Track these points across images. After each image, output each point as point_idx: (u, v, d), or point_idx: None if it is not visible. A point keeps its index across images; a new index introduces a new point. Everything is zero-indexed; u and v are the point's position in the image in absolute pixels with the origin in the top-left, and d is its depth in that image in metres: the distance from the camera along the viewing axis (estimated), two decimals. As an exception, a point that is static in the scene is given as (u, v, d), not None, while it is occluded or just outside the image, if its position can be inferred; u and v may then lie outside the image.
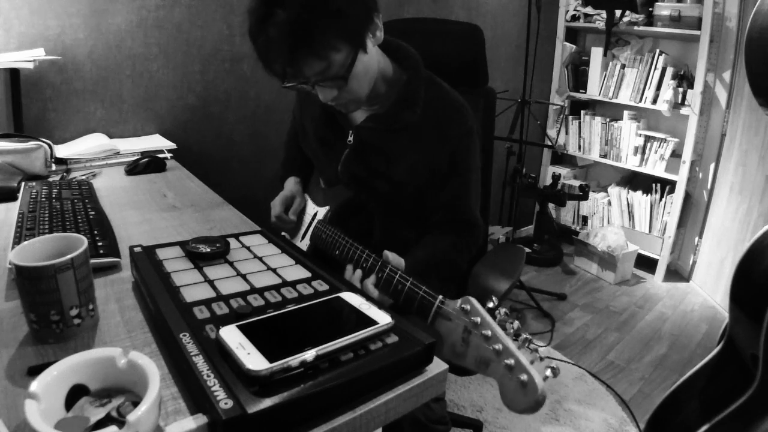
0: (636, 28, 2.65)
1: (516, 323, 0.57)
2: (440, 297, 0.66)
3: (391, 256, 0.84)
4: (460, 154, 0.99)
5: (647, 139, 2.72)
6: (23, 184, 1.10)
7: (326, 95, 0.88)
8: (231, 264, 0.72)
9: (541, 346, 0.58)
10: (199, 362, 0.48)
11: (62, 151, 1.37)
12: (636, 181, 2.93)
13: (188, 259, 0.72)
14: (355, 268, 0.85)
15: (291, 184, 1.18)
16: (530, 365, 0.52)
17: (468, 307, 0.60)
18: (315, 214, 1.10)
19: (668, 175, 2.65)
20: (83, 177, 1.25)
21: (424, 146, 0.97)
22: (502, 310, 0.59)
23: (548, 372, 0.52)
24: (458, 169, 0.99)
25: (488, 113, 1.32)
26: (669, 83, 2.58)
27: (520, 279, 2.51)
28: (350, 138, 1.02)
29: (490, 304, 0.59)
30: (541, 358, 0.53)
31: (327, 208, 1.07)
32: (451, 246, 1.01)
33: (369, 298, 0.60)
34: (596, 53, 2.87)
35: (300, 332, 0.53)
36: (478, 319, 0.58)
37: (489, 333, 0.56)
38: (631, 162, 2.81)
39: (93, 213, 0.94)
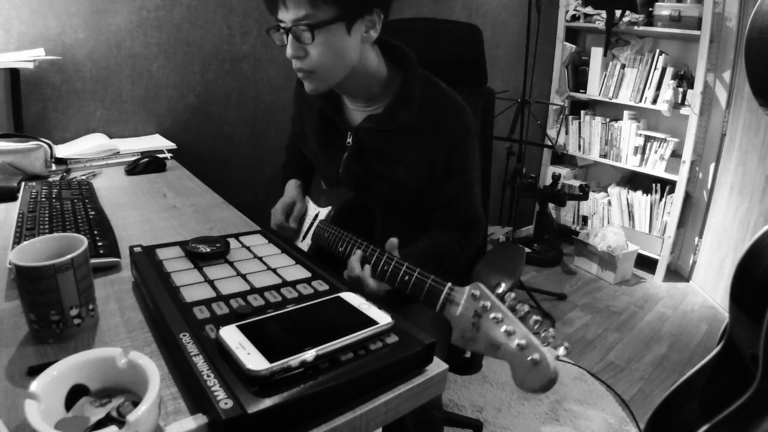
0: (636, 28, 2.65)
1: (526, 306, 0.57)
2: (449, 284, 0.67)
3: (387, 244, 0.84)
4: (459, 153, 0.99)
5: (647, 139, 2.73)
6: (23, 184, 1.10)
7: (295, 50, 0.88)
8: (231, 264, 0.72)
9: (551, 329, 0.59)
10: (199, 362, 0.48)
11: (62, 151, 1.37)
12: (636, 181, 2.93)
13: (188, 259, 0.72)
14: (362, 263, 0.85)
15: (291, 189, 1.18)
16: (542, 345, 0.52)
17: (477, 292, 0.61)
18: (317, 215, 1.11)
19: (668, 175, 2.65)
20: (83, 177, 1.25)
21: (423, 146, 0.98)
22: (512, 295, 0.59)
23: (560, 351, 0.53)
24: (457, 168, 1.00)
25: (488, 113, 1.32)
26: (669, 83, 2.58)
27: (520, 279, 2.51)
28: (349, 140, 1.02)
29: (499, 290, 0.60)
30: (553, 338, 0.54)
31: (329, 208, 1.08)
32: (451, 241, 1.02)
33: (369, 297, 0.60)
34: (596, 53, 2.87)
35: (300, 332, 0.53)
36: (489, 304, 0.58)
37: (500, 316, 0.56)
38: (631, 162, 2.81)
39: (93, 213, 0.94)
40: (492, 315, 0.57)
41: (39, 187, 1.07)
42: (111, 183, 1.24)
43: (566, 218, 3.21)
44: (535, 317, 0.56)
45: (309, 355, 0.47)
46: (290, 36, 0.87)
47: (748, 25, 0.97)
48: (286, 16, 0.86)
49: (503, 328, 0.55)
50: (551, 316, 2.32)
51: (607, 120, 2.88)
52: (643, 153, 2.76)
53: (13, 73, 1.32)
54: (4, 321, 0.61)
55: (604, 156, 2.94)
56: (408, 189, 1.01)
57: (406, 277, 0.74)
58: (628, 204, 2.88)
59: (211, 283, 0.65)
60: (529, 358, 0.52)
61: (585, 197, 2.83)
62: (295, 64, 0.92)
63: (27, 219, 0.88)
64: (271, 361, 0.46)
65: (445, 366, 0.56)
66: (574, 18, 2.89)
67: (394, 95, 0.98)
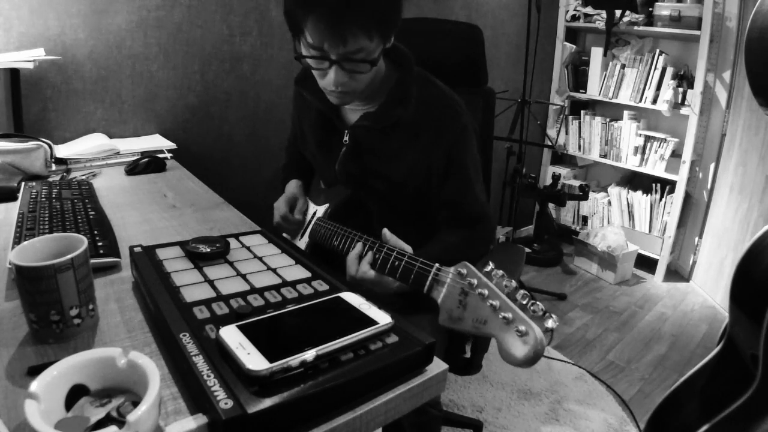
0: (636, 28, 2.65)
1: (513, 282, 0.57)
2: (436, 265, 0.68)
3: (389, 235, 0.85)
4: (456, 150, 0.99)
5: (647, 139, 2.72)
6: (23, 184, 1.10)
7: (339, 78, 0.87)
8: (231, 264, 0.72)
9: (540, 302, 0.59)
10: (199, 362, 0.48)
11: (62, 151, 1.37)
12: (636, 181, 2.93)
13: (188, 259, 0.72)
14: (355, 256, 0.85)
15: (292, 187, 1.18)
16: (529, 318, 0.52)
17: (464, 270, 0.61)
18: (315, 213, 1.11)
19: (668, 175, 2.65)
20: (83, 177, 1.25)
21: (420, 145, 0.98)
22: (499, 273, 0.59)
23: (549, 323, 0.52)
24: (456, 165, 1.00)
25: (488, 113, 1.32)
26: (669, 83, 2.58)
27: (520, 279, 2.51)
28: (346, 138, 1.02)
29: (487, 268, 0.60)
30: (543, 313, 0.53)
31: (326, 206, 1.08)
32: (462, 240, 1.02)
33: (369, 297, 0.60)
34: (596, 53, 2.87)
35: (300, 332, 0.53)
36: (475, 281, 0.59)
37: (486, 292, 0.57)
38: (631, 162, 2.81)
39: (93, 213, 0.94)
40: (478, 291, 0.57)
41: (39, 187, 1.07)
42: (111, 183, 1.24)
43: (566, 218, 3.21)
44: (523, 292, 0.56)
45: (309, 355, 0.47)
46: (335, 66, 0.85)
47: (748, 25, 0.97)
48: (336, 49, 0.83)
49: (489, 303, 0.55)
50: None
51: (607, 120, 2.88)
52: (643, 153, 2.75)
53: (13, 73, 1.32)
54: (4, 321, 0.61)
55: (604, 156, 2.94)
56: (405, 187, 1.01)
57: (396, 263, 0.75)
58: (628, 204, 2.88)
59: (211, 283, 0.65)
60: (515, 330, 0.52)
61: (585, 197, 2.83)
62: (332, 87, 0.90)
63: (27, 219, 0.88)
64: (271, 361, 0.46)
65: (445, 366, 0.56)
66: (574, 18, 2.89)
67: (389, 93, 0.98)
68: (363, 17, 0.80)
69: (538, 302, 0.55)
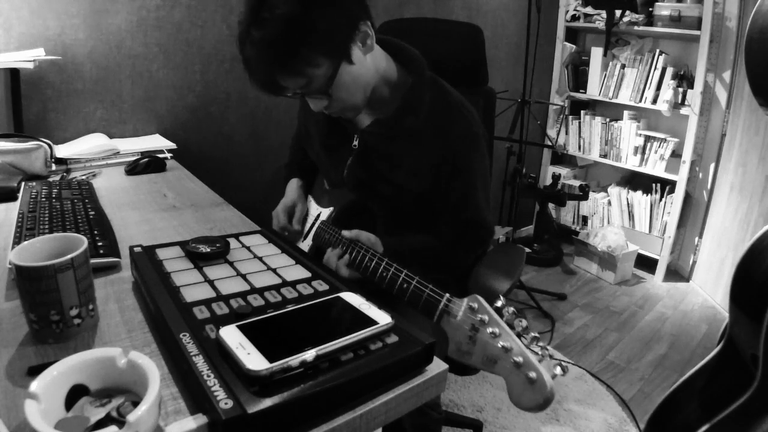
0: (636, 28, 2.65)
1: (524, 322, 0.57)
2: (447, 295, 0.66)
3: (361, 235, 0.86)
4: (463, 157, 0.98)
5: (647, 139, 2.72)
6: (23, 184, 1.10)
7: (316, 105, 0.90)
8: (231, 264, 0.72)
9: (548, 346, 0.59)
10: (199, 362, 0.48)
11: (62, 151, 1.37)
12: (636, 181, 2.93)
13: (188, 259, 0.72)
14: (353, 263, 0.85)
15: (293, 189, 1.17)
16: (538, 363, 0.52)
17: (475, 305, 0.60)
18: (318, 215, 1.11)
19: (668, 175, 2.65)
20: (83, 177, 1.25)
21: (428, 150, 0.97)
22: (510, 309, 0.59)
23: (557, 370, 0.52)
24: (462, 172, 0.99)
25: (488, 113, 1.32)
26: (669, 83, 2.58)
27: (520, 279, 2.51)
28: (355, 143, 1.02)
29: (498, 303, 0.60)
30: (550, 357, 0.54)
31: (330, 209, 1.07)
32: (445, 241, 1.01)
33: (369, 298, 0.60)
34: (596, 53, 2.87)
35: (300, 332, 0.53)
36: (486, 318, 0.58)
37: (497, 331, 0.56)
38: (631, 162, 2.81)
39: (93, 213, 0.94)
40: (489, 330, 0.57)
41: (39, 187, 1.07)
42: (111, 183, 1.24)
43: (566, 218, 3.20)
44: (533, 334, 0.56)
45: (309, 355, 0.47)
46: (306, 97, 0.89)
47: (748, 25, 0.97)
48: (287, 87, 0.86)
49: (500, 344, 0.55)
50: (551, 316, 2.32)
51: (607, 120, 2.88)
52: (643, 153, 2.75)
53: (13, 73, 1.32)
54: (4, 321, 0.61)
55: (604, 156, 2.94)
56: (412, 192, 1.00)
57: (405, 285, 0.73)
58: (628, 204, 2.88)
59: (211, 283, 0.65)
60: (525, 376, 0.52)
61: (585, 197, 2.83)
62: (322, 111, 0.93)
63: (27, 219, 0.88)
64: (271, 361, 0.46)
65: (445, 366, 0.56)
66: (574, 18, 2.89)
67: (402, 99, 0.96)
68: (286, 65, 0.81)
69: (548, 347, 0.55)
